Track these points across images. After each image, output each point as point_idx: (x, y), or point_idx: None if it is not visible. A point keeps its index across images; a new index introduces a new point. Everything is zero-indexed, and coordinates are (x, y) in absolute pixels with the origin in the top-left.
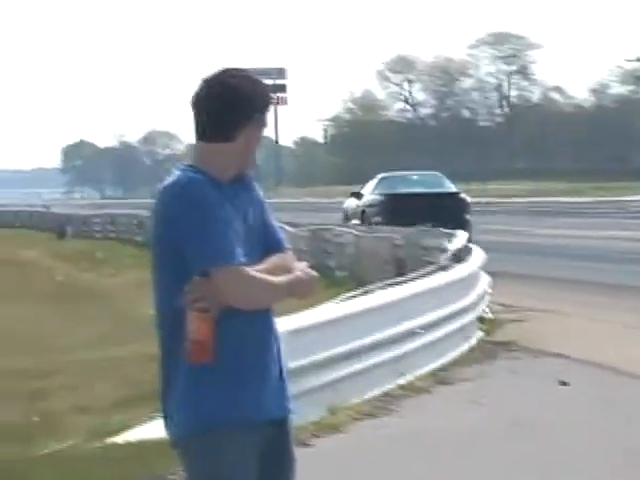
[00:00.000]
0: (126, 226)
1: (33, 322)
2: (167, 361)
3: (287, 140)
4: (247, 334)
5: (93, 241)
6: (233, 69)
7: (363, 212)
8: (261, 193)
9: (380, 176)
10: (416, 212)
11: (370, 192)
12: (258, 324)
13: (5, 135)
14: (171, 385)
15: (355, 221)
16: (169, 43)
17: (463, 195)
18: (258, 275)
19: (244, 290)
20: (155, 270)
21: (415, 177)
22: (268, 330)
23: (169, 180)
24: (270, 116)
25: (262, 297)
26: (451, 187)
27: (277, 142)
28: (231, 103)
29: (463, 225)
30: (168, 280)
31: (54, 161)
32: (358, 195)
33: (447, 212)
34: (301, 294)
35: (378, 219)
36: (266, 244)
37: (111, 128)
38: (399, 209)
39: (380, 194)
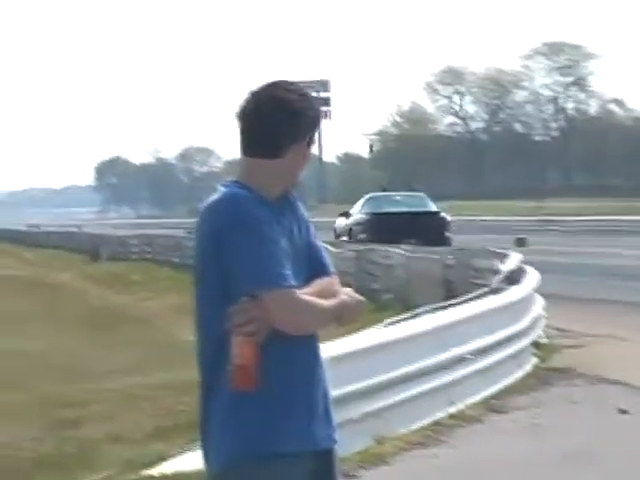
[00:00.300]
0: (163, 247)
1: (65, 348)
2: (208, 388)
3: (330, 156)
4: (293, 360)
5: (129, 263)
6: (283, 82)
7: (350, 230)
8: (305, 213)
9: (367, 196)
10: (399, 229)
11: (357, 211)
12: (304, 349)
13: (36, 151)
14: (211, 413)
15: (344, 238)
16: (206, 56)
17: (443, 214)
18: (309, 299)
19: (295, 315)
20: (197, 291)
21: (399, 197)
22: (314, 356)
23: (214, 197)
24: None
25: (312, 322)
26: (432, 207)
27: (321, 158)
28: (282, 118)
29: (443, 241)
30: (211, 302)
31: (87, 179)
32: (347, 214)
33: (428, 229)
34: (347, 319)
35: (363, 236)
36: (311, 267)
37: (147, 144)
38: (383, 227)
39: (366, 213)
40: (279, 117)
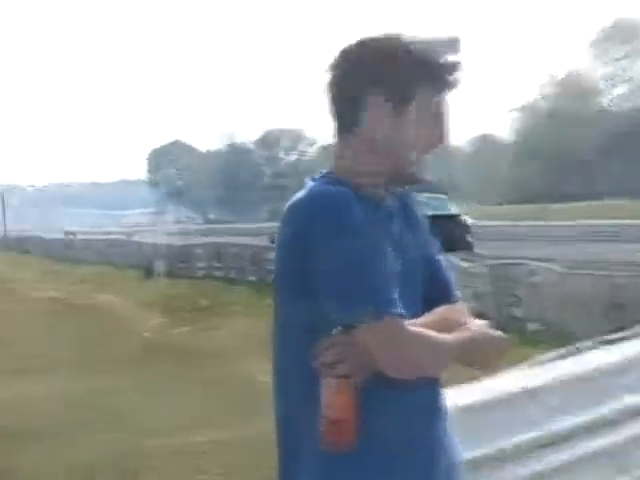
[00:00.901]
0: (236, 260)
1: (112, 394)
2: (289, 445)
3: (461, 139)
4: (402, 411)
5: (192, 281)
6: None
7: None
8: (425, 218)
9: None
10: None
11: None
12: (419, 398)
13: (77, 140)
14: (293, 477)
15: None
16: (295, 21)
17: (464, 217)
18: (422, 332)
19: (403, 352)
20: (277, 318)
21: (422, 199)
22: (432, 406)
23: (300, 195)
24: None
25: (427, 363)
26: (452, 209)
27: (447, 142)
28: (388, 60)
29: (465, 245)
30: (295, 332)
31: (140, 172)
32: None
33: (449, 233)
34: (481, 361)
35: None
36: (429, 290)
37: (216, 126)
38: None
39: None
40: (381, 59)
